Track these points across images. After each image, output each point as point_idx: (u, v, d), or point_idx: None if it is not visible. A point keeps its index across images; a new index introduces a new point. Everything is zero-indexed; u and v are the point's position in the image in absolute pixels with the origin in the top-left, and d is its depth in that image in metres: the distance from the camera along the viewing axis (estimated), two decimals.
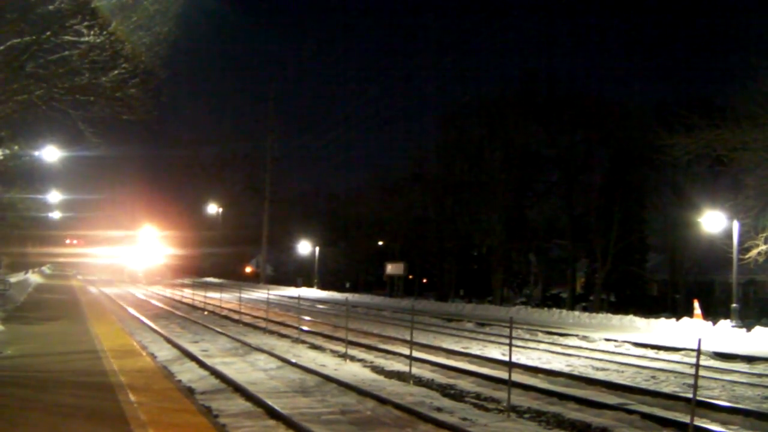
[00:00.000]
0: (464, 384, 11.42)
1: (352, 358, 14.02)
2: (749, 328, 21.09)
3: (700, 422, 8.24)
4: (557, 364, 14.09)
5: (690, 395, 8.63)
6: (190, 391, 9.83)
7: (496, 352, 15.82)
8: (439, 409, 9.32)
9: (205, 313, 26.60)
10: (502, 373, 11.43)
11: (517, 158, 44.58)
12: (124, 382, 9.10)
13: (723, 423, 8.88)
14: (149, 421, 6.97)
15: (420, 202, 51.09)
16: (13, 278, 34.48)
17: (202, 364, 12.85)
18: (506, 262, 46.51)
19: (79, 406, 7.73)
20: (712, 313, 27.64)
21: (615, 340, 18.45)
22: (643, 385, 11.76)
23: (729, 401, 10.22)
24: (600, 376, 12.55)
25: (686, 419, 8.04)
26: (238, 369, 12.54)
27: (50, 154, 21.39)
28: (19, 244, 50.36)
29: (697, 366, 7.60)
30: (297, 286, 54.93)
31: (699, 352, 7.64)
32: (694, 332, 19.92)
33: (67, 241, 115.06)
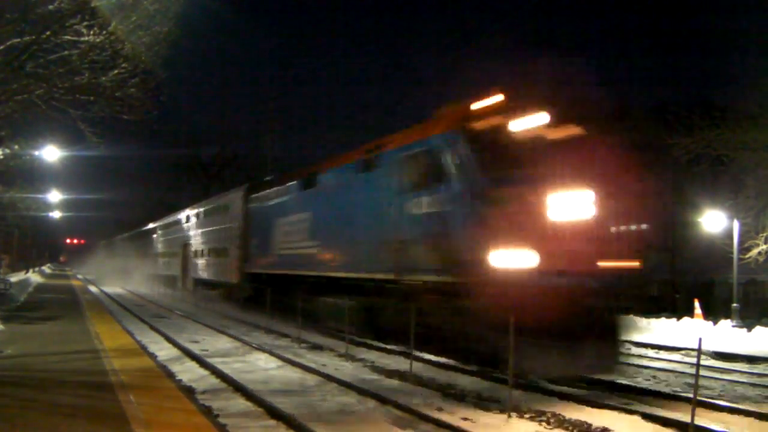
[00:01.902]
0: (465, 383, 11.41)
1: (353, 357, 14.01)
2: (750, 327, 21.07)
3: (700, 422, 8.24)
4: None
5: (690, 395, 8.63)
6: (190, 391, 9.83)
7: None
8: (439, 409, 9.32)
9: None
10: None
11: None
12: (124, 382, 9.09)
13: (723, 423, 8.87)
14: (150, 420, 6.97)
15: None
16: (14, 278, 34.49)
17: (202, 364, 12.85)
18: None
19: (79, 405, 7.72)
20: (712, 313, 27.60)
21: None
22: (644, 384, 11.76)
23: (730, 401, 10.22)
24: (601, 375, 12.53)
25: (687, 419, 8.04)
26: (238, 368, 12.54)
27: (50, 153, 21.40)
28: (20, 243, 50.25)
29: (697, 366, 7.60)
30: None
31: (699, 351, 7.63)
32: (694, 332, 19.90)
33: (67, 241, 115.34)
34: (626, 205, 10.48)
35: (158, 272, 41.79)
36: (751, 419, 9.13)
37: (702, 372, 9.49)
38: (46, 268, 77.61)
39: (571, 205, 9.78)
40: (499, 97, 10.42)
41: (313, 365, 12.74)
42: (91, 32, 11.80)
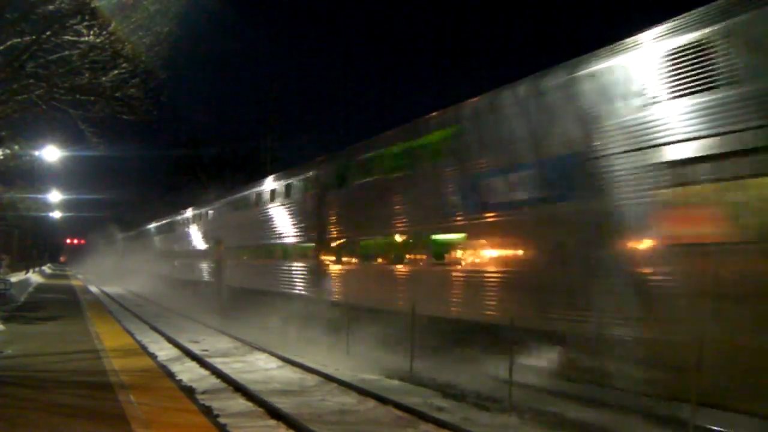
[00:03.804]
0: (465, 383, 11.42)
1: (354, 357, 14.01)
2: None
3: (700, 421, 8.23)
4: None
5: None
6: (190, 391, 9.84)
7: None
8: (440, 409, 9.33)
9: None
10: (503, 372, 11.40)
11: None
12: (124, 382, 9.09)
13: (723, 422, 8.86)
14: (150, 420, 6.97)
15: None
16: (14, 278, 34.47)
17: (202, 364, 12.87)
18: None
19: (79, 405, 7.73)
20: None
21: None
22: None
23: None
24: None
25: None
26: (238, 368, 12.56)
27: (50, 153, 21.39)
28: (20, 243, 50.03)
29: (698, 365, 7.60)
30: None
31: (700, 350, 7.63)
32: None
33: (67, 241, 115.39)
34: None
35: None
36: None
37: None
38: (47, 268, 77.58)
39: None
40: None
41: (313, 365, 12.74)
42: (92, 32, 11.78)
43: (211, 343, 16.44)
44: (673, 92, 8.43)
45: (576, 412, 8.99)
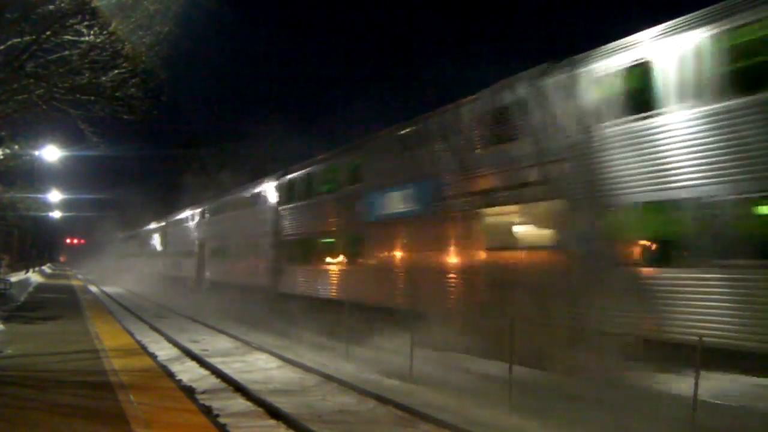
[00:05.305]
0: (466, 382, 11.43)
1: (353, 357, 14.02)
2: None
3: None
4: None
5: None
6: (190, 391, 9.85)
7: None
8: (440, 408, 9.33)
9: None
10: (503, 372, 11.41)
11: None
12: (124, 382, 9.09)
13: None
14: (150, 420, 6.97)
15: None
16: (14, 277, 34.46)
17: (202, 364, 12.88)
18: None
19: (79, 405, 7.73)
20: None
21: None
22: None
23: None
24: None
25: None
26: (238, 368, 12.56)
27: (50, 153, 21.39)
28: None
29: (698, 366, 7.61)
30: None
31: (700, 350, 7.64)
32: None
33: (67, 241, 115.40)
34: None
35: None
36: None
37: None
38: (46, 268, 77.55)
39: None
40: None
41: (313, 365, 12.74)
42: (92, 32, 11.79)
43: (211, 343, 16.44)
44: None
45: None
